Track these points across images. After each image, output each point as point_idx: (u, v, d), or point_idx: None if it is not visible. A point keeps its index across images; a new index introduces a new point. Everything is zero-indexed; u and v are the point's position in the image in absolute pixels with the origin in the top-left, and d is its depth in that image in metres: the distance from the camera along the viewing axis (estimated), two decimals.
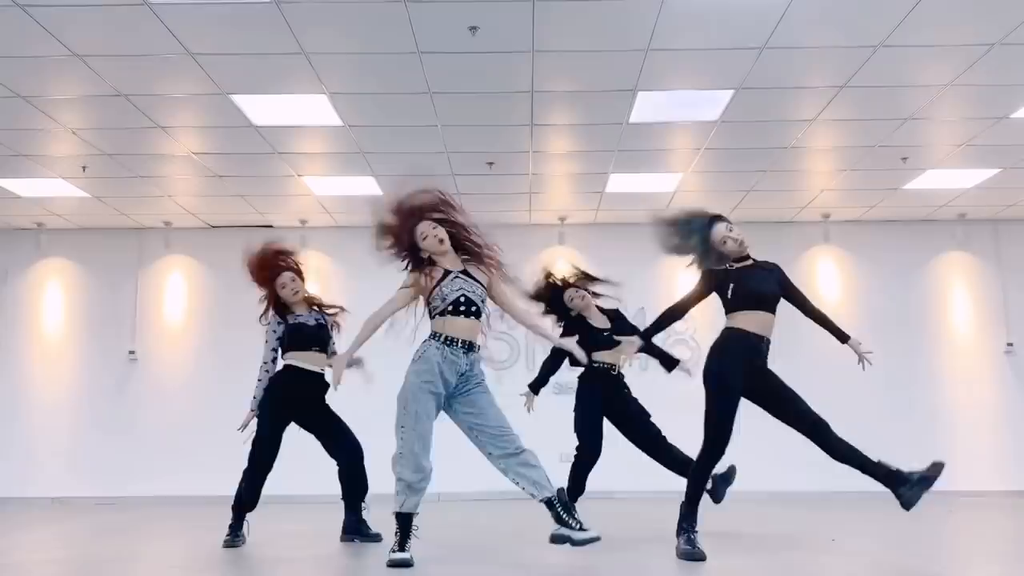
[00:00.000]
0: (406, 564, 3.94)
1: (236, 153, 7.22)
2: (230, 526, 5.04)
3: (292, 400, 5.03)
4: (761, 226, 9.29)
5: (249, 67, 5.59)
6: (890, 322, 9.16)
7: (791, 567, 3.95)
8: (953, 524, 6.21)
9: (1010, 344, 9.16)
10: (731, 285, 4.29)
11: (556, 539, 3.88)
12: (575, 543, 3.81)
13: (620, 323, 5.86)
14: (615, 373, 5.65)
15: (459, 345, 4.16)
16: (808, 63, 5.63)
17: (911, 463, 4.12)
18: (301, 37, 5.16)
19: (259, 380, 5.08)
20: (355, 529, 5.05)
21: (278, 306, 5.09)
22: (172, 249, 9.46)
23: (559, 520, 3.87)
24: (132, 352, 9.27)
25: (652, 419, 5.66)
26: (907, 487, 3.86)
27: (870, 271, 9.36)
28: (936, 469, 3.89)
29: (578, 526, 3.83)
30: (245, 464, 5.06)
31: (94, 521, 6.86)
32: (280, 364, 5.08)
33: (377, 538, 4.96)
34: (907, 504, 3.86)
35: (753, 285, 4.27)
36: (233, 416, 9.65)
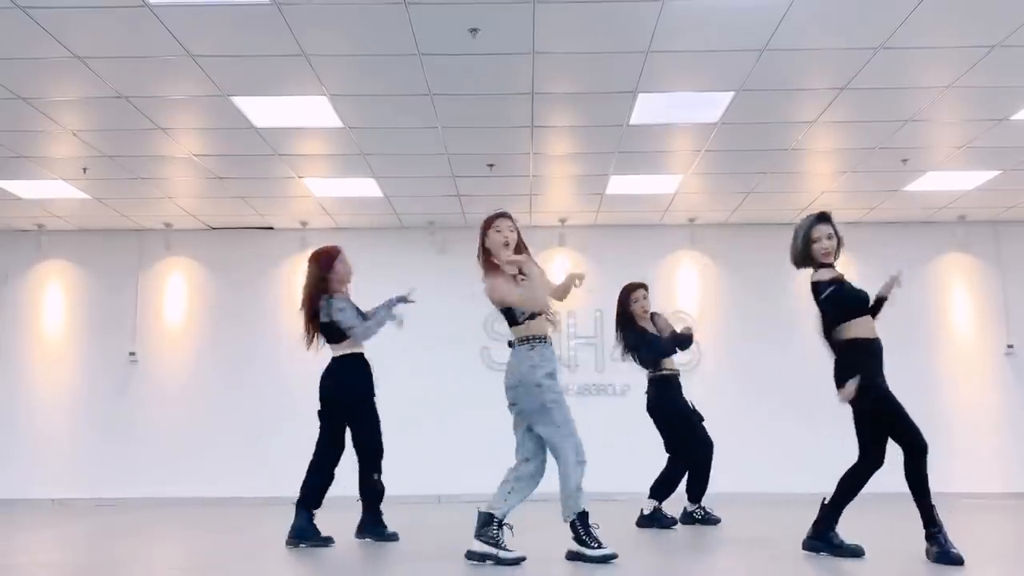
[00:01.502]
0: (612, 557, 3.99)
1: (236, 155, 7.22)
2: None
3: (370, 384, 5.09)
4: (761, 228, 9.32)
5: (249, 69, 5.59)
6: (890, 323, 9.12)
7: (791, 568, 3.94)
8: (953, 526, 6.20)
9: (1010, 346, 9.16)
10: (846, 288, 4.27)
11: (472, 555, 4.02)
12: (499, 561, 3.97)
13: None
14: (679, 380, 5.97)
15: (549, 343, 4.18)
16: (808, 65, 5.63)
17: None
18: (301, 39, 5.16)
19: (378, 322, 5.09)
20: (372, 529, 5.08)
21: (326, 286, 5.08)
22: (172, 251, 9.47)
23: (493, 541, 4.00)
24: (132, 354, 9.28)
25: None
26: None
27: (871, 272, 9.27)
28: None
29: (504, 545, 4.02)
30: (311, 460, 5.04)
31: (95, 523, 6.86)
32: (329, 353, 5.12)
33: (394, 537, 5.00)
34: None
35: (859, 291, 4.29)
36: (233, 417, 9.74)
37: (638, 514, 5.82)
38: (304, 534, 4.89)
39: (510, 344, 4.19)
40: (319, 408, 5.12)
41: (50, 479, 8.96)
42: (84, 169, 7.45)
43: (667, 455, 5.96)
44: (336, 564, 4.38)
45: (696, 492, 5.95)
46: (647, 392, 5.98)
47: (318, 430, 5.09)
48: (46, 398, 9.23)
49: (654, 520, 5.76)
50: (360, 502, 5.14)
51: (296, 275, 9.40)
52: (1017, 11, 4.91)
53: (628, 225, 9.44)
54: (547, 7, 4.82)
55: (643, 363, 5.95)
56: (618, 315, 6.01)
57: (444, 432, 8.68)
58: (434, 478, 8.23)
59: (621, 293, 6.04)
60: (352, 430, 5.10)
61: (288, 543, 4.88)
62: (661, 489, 5.84)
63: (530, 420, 4.11)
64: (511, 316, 4.17)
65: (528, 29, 5.08)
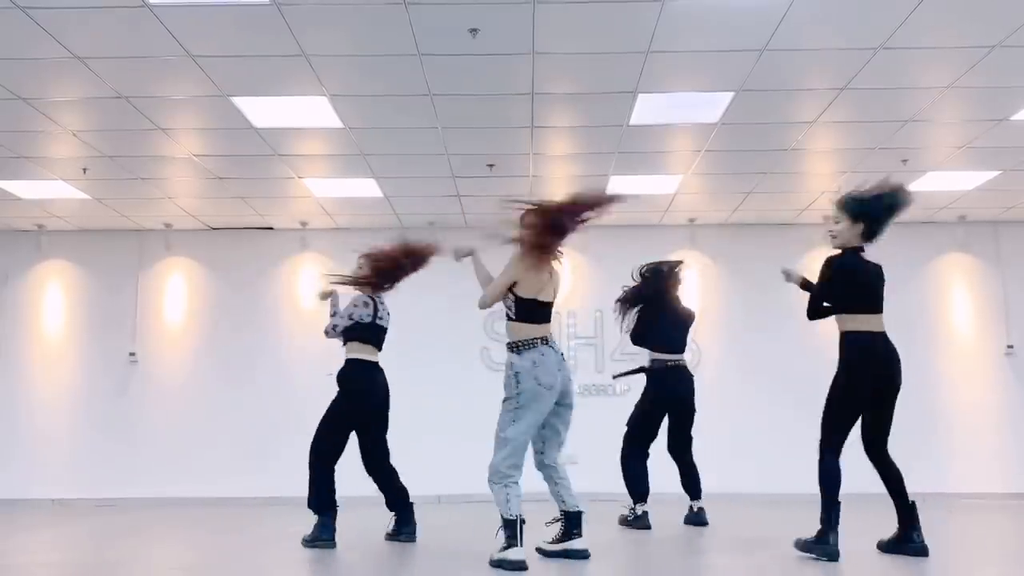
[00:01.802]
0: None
1: (236, 155, 7.22)
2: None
3: None
4: (761, 228, 9.31)
5: (249, 69, 5.59)
6: (890, 323, 9.12)
7: (792, 568, 3.95)
8: (953, 526, 6.21)
9: (1010, 346, 9.16)
10: None
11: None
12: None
13: None
14: None
15: None
16: (808, 65, 5.63)
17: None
18: (301, 39, 5.16)
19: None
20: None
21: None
22: (172, 251, 9.47)
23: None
24: (132, 354, 9.28)
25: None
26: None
27: None
28: None
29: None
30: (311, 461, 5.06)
31: (95, 523, 6.86)
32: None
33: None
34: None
35: None
36: (233, 417, 9.74)
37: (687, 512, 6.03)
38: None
39: (547, 340, 4.29)
40: (360, 412, 5.10)
41: (50, 479, 8.95)
42: (84, 169, 7.45)
43: (666, 451, 6.05)
44: (337, 564, 4.38)
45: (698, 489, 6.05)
46: (684, 376, 6.01)
47: (338, 433, 5.08)
48: (46, 398, 9.23)
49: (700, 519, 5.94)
50: (396, 503, 5.17)
51: (296, 275, 9.44)
52: (1017, 11, 4.90)
53: (628, 225, 9.43)
54: (547, 7, 4.82)
55: (684, 345, 6.09)
56: (660, 292, 6.06)
57: (444, 432, 8.68)
58: (434, 478, 8.21)
59: (669, 269, 6.15)
60: (377, 433, 5.16)
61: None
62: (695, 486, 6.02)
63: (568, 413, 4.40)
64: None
65: (528, 29, 5.07)
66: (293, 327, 9.27)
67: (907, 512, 4.32)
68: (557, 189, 8.20)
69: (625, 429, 6.01)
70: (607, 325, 9.28)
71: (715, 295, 9.36)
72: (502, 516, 4.08)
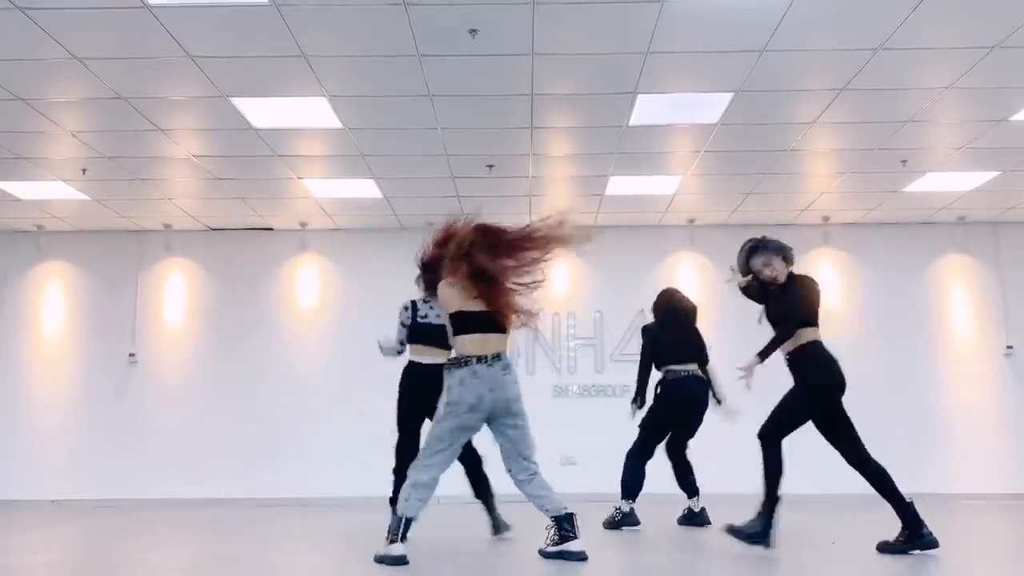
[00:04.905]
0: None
1: (236, 156, 7.22)
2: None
3: None
4: (760, 229, 9.28)
5: (249, 70, 5.59)
6: (890, 325, 9.14)
7: (792, 569, 3.95)
8: (953, 526, 6.21)
9: (1010, 346, 9.16)
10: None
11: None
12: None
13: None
14: None
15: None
16: (808, 66, 5.63)
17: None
18: (301, 40, 5.16)
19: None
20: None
21: None
22: (172, 251, 9.47)
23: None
24: (132, 355, 9.27)
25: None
26: None
27: (870, 274, 9.35)
28: None
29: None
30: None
31: (94, 524, 6.85)
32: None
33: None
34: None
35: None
36: (233, 417, 9.71)
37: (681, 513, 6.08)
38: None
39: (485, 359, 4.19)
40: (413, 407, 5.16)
41: (49, 480, 8.95)
42: (83, 170, 7.45)
43: (675, 455, 6.13)
44: (336, 564, 4.38)
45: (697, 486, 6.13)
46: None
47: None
48: (45, 399, 9.22)
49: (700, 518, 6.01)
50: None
51: (295, 275, 9.44)
52: (1017, 11, 4.91)
53: (627, 226, 9.43)
54: (546, 8, 4.82)
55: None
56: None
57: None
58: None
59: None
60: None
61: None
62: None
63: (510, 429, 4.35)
64: None
65: (527, 30, 5.08)
66: (293, 327, 9.27)
67: (908, 510, 4.31)
68: (556, 189, 8.22)
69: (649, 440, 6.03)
70: (606, 326, 9.30)
71: (714, 295, 9.35)
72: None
